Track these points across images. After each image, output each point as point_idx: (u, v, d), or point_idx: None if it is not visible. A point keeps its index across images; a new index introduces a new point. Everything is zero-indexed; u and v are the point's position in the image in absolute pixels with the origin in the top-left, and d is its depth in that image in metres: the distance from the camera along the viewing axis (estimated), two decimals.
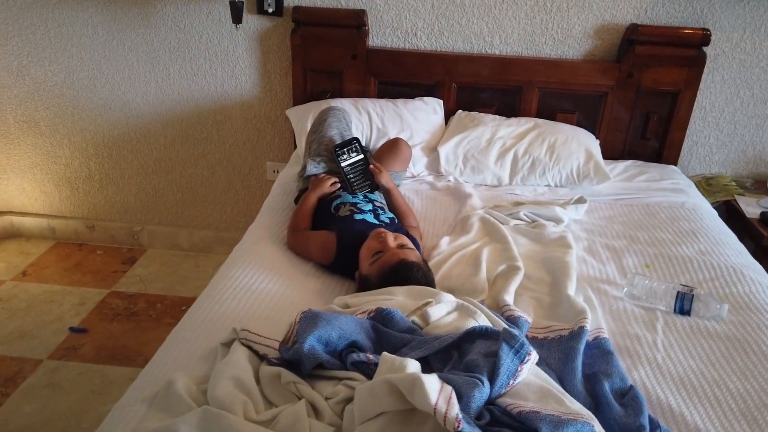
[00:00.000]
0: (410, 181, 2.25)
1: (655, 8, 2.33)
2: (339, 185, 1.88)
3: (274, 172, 2.76)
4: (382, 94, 2.48)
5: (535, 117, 2.43)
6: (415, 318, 1.27)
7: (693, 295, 1.51)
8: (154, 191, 2.90)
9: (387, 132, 2.30)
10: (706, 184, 2.49)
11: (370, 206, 1.79)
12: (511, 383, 1.03)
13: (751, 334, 1.44)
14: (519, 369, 1.04)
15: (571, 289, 1.52)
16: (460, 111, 2.46)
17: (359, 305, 1.34)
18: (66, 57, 2.63)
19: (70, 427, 1.94)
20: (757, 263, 1.80)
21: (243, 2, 2.38)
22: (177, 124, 2.73)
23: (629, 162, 2.44)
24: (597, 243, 1.87)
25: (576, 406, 0.99)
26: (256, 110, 2.66)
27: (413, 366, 1.01)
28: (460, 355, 1.13)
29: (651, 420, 1.11)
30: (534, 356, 1.07)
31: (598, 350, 1.31)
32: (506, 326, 1.29)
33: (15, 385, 2.09)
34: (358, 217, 1.73)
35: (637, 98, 2.40)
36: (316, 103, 2.39)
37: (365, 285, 1.51)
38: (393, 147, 2.19)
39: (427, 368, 1.10)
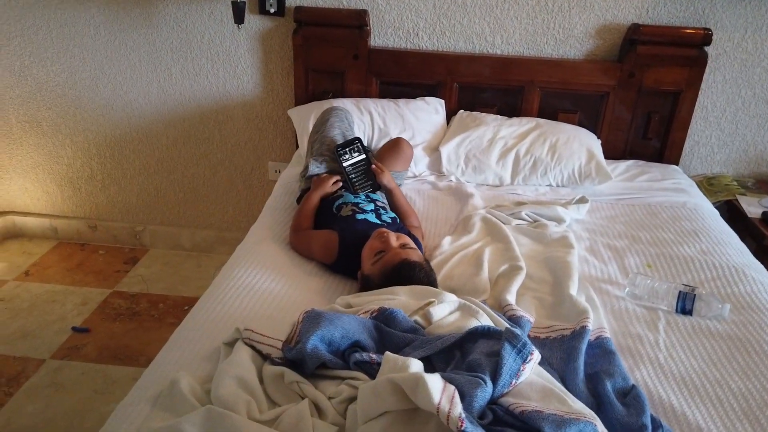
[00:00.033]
0: (412, 181, 2.25)
1: (656, 8, 2.33)
2: (341, 184, 1.88)
3: (275, 172, 2.76)
4: (383, 94, 2.49)
5: (537, 117, 2.43)
6: (417, 318, 1.27)
7: (695, 294, 1.51)
8: (156, 191, 2.91)
9: (389, 132, 2.31)
10: (707, 184, 2.49)
11: (371, 206, 1.80)
12: (513, 383, 1.04)
13: (752, 334, 1.44)
14: (521, 368, 1.04)
15: (573, 289, 1.53)
16: (461, 111, 2.46)
17: (362, 305, 1.35)
18: (68, 57, 2.63)
19: (72, 427, 1.94)
20: (759, 263, 1.80)
21: (245, 2, 2.39)
22: (179, 124, 2.74)
23: (631, 162, 2.45)
24: (599, 243, 1.87)
25: (578, 406, 1.00)
26: (258, 110, 2.67)
27: (416, 365, 1.02)
28: (462, 355, 1.13)
29: (653, 419, 1.11)
30: (536, 356, 1.07)
31: (600, 350, 1.31)
32: (508, 326, 1.29)
33: (18, 385, 2.09)
34: (360, 216, 1.73)
35: (638, 98, 2.40)
36: (317, 103, 2.40)
37: (367, 285, 1.51)
38: (395, 147, 2.19)
39: (429, 368, 1.10)
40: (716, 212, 2.14)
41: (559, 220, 1.94)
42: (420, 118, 2.37)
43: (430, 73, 2.45)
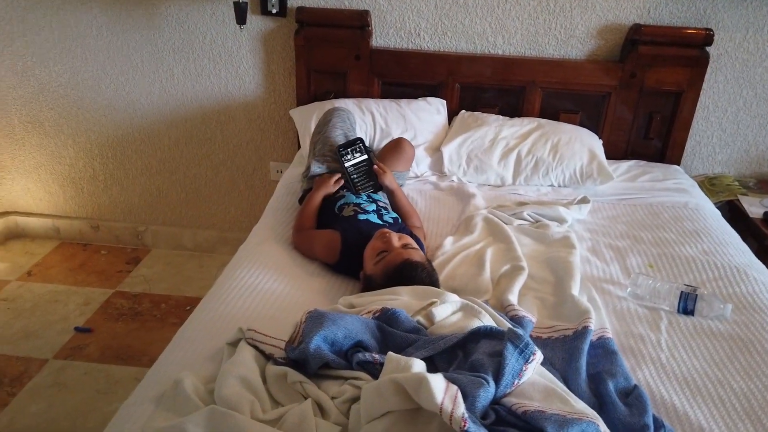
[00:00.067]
0: (414, 181, 2.25)
1: (658, 8, 2.33)
2: (342, 181, 1.88)
3: (277, 172, 2.77)
4: (385, 95, 2.49)
5: (539, 117, 2.43)
6: (420, 318, 1.28)
7: (696, 295, 1.51)
8: (158, 191, 2.91)
9: (390, 132, 2.31)
10: (709, 184, 2.49)
11: (373, 206, 1.80)
12: (516, 383, 1.04)
13: (754, 334, 1.45)
14: (524, 368, 1.05)
15: (575, 289, 1.53)
16: (463, 111, 2.46)
17: (364, 305, 1.35)
18: (70, 58, 2.64)
19: (75, 427, 1.95)
20: (761, 263, 1.80)
21: (247, 3, 2.39)
22: (181, 124, 2.74)
23: (632, 162, 2.45)
24: (600, 243, 1.87)
25: (581, 406, 1.00)
26: (259, 111, 2.67)
27: (419, 365, 1.02)
28: (465, 355, 1.13)
29: (655, 419, 1.11)
30: (539, 356, 1.08)
31: (602, 350, 1.31)
32: (511, 326, 1.29)
33: (21, 385, 2.10)
34: (361, 217, 1.74)
35: (640, 98, 2.40)
36: (319, 103, 2.40)
37: (370, 285, 1.51)
38: (396, 147, 2.19)
39: (432, 368, 1.11)
40: (718, 212, 2.14)
41: (561, 221, 1.94)
42: (422, 118, 2.37)
43: (431, 74, 2.45)
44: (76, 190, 2.94)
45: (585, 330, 1.33)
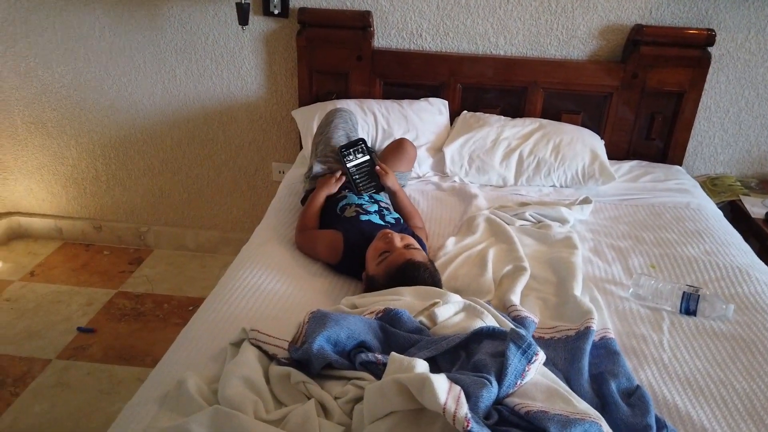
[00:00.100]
0: (416, 182, 2.26)
1: (659, 9, 2.33)
2: (344, 179, 1.88)
3: (279, 172, 2.77)
4: (387, 95, 2.49)
5: (540, 117, 2.43)
6: (422, 318, 1.28)
7: (699, 295, 1.52)
8: (161, 192, 2.92)
9: (392, 133, 2.31)
10: (711, 185, 2.49)
11: (375, 207, 1.80)
12: (518, 383, 1.04)
13: (756, 334, 1.45)
14: (526, 369, 1.05)
15: (577, 290, 1.53)
16: (465, 112, 2.47)
17: (367, 305, 1.36)
18: (73, 59, 2.65)
19: (78, 427, 1.95)
20: (763, 263, 1.81)
21: (249, 4, 2.40)
22: (183, 125, 2.75)
23: (634, 162, 2.45)
24: (602, 243, 1.87)
25: (583, 406, 1.00)
26: (261, 111, 2.68)
27: (422, 366, 1.02)
28: (467, 356, 1.13)
29: (657, 420, 1.12)
30: (541, 356, 1.08)
31: (605, 350, 1.32)
32: (513, 327, 1.29)
33: (24, 385, 2.10)
34: (363, 218, 1.74)
35: (642, 99, 2.40)
36: (321, 104, 2.40)
37: (372, 285, 1.52)
38: (398, 147, 2.20)
39: (434, 368, 1.11)
40: (720, 213, 2.14)
41: (563, 221, 1.94)
42: (423, 119, 2.37)
43: (433, 74, 2.46)
44: (78, 191, 2.95)
45: (587, 330, 1.33)
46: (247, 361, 1.17)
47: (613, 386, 1.19)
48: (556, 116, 2.44)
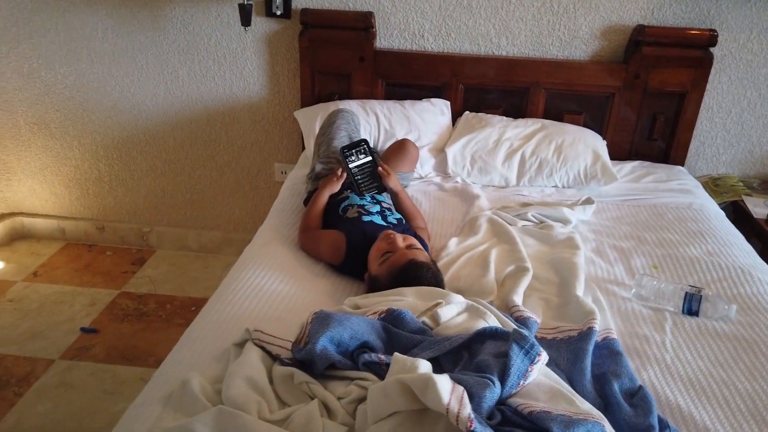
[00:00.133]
0: (418, 182, 2.26)
1: (661, 9, 2.33)
2: (346, 176, 1.88)
3: (282, 173, 2.77)
4: (389, 96, 2.50)
5: (542, 118, 2.44)
6: (425, 319, 1.28)
7: (701, 295, 1.52)
8: (163, 192, 2.92)
9: (394, 133, 2.32)
10: (713, 185, 2.49)
11: (377, 207, 1.81)
12: (521, 383, 1.05)
13: (759, 335, 1.45)
14: (529, 369, 1.05)
15: (580, 290, 1.53)
16: (467, 112, 2.47)
17: (370, 306, 1.36)
18: (76, 60, 2.65)
19: (82, 427, 1.96)
20: (765, 264, 1.81)
21: (252, 5, 2.40)
22: (186, 125, 2.75)
23: (636, 163, 2.45)
24: (605, 244, 1.87)
25: (586, 406, 1.00)
26: (264, 112, 2.68)
27: (425, 366, 1.03)
28: (470, 356, 1.14)
29: (660, 420, 1.12)
30: (544, 357, 1.08)
31: (607, 351, 1.32)
32: (516, 327, 1.30)
33: (27, 385, 2.11)
34: (366, 218, 1.74)
35: (644, 99, 2.40)
36: (324, 104, 2.41)
37: (375, 286, 1.52)
38: (400, 148, 2.20)
39: (437, 369, 1.11)
40: (722, 213, 2.14)
41: (565, 222, 1.94)
42: (426, 119, 2.38)
43: (435, 75, 2.46)
44: (81, 192, 2.96)
45: (590, 331, 1.34)
46: (251, 361, 1.17)
47: (616, 386, 1.19)
48: (558, 117, 2.45)
